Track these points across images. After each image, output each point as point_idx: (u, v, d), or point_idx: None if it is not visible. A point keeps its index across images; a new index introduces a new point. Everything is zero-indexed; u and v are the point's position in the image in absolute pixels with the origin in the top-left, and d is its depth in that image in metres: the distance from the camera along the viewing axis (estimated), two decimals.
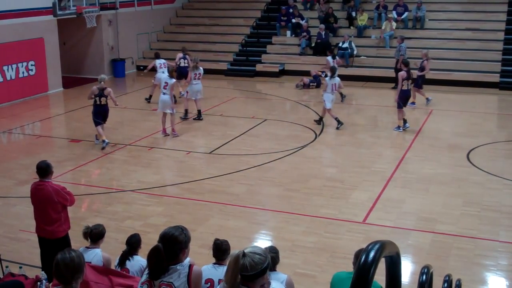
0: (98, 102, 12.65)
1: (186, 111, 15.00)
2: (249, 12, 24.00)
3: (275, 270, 4.98)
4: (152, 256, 3.78)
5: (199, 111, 14.93)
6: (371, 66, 20.06)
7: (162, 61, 16.86)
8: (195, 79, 14.71)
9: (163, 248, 3.75)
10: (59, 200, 6.41)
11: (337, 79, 14.11)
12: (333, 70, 14.24)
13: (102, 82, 12.71)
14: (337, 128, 13.84)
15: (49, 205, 6.37)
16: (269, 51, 21.78)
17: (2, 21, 16.73)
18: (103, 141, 12.47)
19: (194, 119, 14.88)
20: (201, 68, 14.95)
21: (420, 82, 15.90)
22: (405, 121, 13.61)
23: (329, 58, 17.31)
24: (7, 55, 16.89)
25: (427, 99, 16.05)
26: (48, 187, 6.37)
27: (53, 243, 6.47)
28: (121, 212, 9.20)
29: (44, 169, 6.39)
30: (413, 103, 15.72)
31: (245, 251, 3.06)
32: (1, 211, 9.40)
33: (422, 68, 15.99)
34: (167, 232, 3.81)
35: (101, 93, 12.60)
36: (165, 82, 13.17)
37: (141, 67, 22.39)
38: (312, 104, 16.75)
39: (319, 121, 14.28)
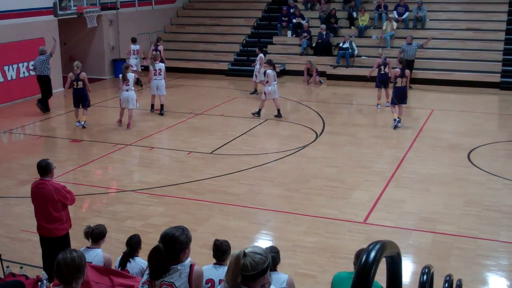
0: (75, 86, 13.96)
1: (152, 106, 15.69)
2: (249, 12, 24.02)
3: (275, 270, 4.99)
4: (153, 256, 3.78)
5: (162, 106, 15.50)
6: (371, 66, 20.00)
7: (137, 47, 18.76)
8: (155, 75, 15.21)
9: (163, 248, 3.76)
10: (59, 198, 6.41)
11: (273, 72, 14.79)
12: (270, 62, 14.87)
13: (76, 68, 13.92)
14: (276, 116, 14.76)
15: (50, 203, 6.39)
16: (270, 51, 21.78)
17: (3, 21, 16.74)
18: (78, 121, 14.18)
19: (158, 113, 15.44)
20: (161, 64, 15.45)
21: (378, 81, 15.83)
22: (398, 119, 13.77)
23: (261, 55, 17.63)
24: (8, 55, 16.90)
25: (387, 103, 15.53)
26: (48, 185, 6.38)
27: (53, 242, 6.49)
28: (122, 212, 9.20)
29: (44, 168, 6.40)
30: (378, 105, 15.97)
31: (246, 251, 3.07)
32: (2, 211, 9.40)
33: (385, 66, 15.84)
34: (168, 232, 3.81)
35: (77, 78, 13.90)
36: (127, 79, 13.75)
37: (142, 67, 22.37)
38: (313, 104, 16.75)
39: (278, 114, 14.86)
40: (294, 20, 21.92)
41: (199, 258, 5.91)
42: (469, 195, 9.70)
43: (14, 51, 17.09)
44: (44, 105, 15.94)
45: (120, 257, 5.64)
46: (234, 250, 3.13)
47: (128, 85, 13.79)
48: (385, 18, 21.06)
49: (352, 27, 21.78)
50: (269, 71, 14.61)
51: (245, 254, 3.04)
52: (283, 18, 22.20)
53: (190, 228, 3.96)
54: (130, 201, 9.68)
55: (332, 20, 21.52)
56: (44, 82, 16.03)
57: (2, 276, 5.55)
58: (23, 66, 17.50)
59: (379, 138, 13.18)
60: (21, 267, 5.64)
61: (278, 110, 14.82)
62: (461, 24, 20.74)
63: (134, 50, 18.85)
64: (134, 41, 19.10)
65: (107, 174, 11.40)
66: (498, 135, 13.50)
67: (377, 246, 2.53)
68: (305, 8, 22.96)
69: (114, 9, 21.38)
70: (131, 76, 13.91)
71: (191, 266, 3.83)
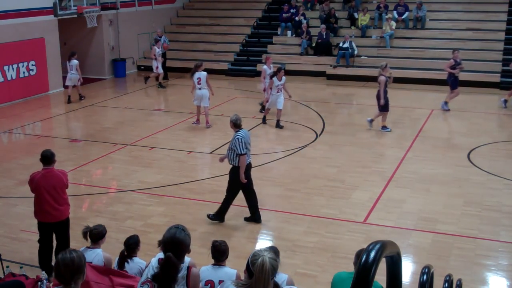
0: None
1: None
2: (249, 12, 24.03)
3: None
4: (167, 268, 3.69)
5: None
6: (371, 66, 20.03)
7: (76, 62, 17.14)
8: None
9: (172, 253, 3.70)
10: (66, 183, 7.05)
11: None
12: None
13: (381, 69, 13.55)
14: None
15: (60, 188, 6.97)
16: (270, 51, 21.78)
17: (3, 21, 16.74)
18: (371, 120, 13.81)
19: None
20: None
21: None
22: None
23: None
24: (8, 55, 16.91)
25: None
26: (57, 172, 6.99)
27: (58, 225, 6.99)
28: (122, 212, 9.20)
29: (49, 157, 6.96)
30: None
31: (268, 256, 3.10)
32: (2, 211, 9.40)
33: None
34: (173, 237, 3.75)
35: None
36: (198, 78, 13.84)
37: (142, 67, 22.42)
38: (313, 104, 16.75)
39: None
40: (296, 18, 21.92)
41: (199, 258, 5.91)
42: (469, 195, 9.70)
43: (14, 51, 17.09)
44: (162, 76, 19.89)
45: (118, 257, 5.62)
46: (257, 258, 3.13)
47: (200, 83, 13.79)
48: (385, 18, 21.06)
49: (353, 27, 21.78)
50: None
51: (267, 260, 3.10)
52: (284, 14, 22.17)
53: (190, 228, 3.96)
54: (130, 201, 9.68)
55: (332, 20, 21.53)
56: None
57: (2, 276, 5.55)
58: (23, 66, 17.50)
59: (379, 138, 13.18)
60: (21, 267, 5.64)
61: None
62: (461, 24, 20.74)
63: (71, 65, 16.93)
64: (73, 55, 17.08)
65: (107, 174, 11.40)
66: (498, 135, 13.50)
67: (377, 246, 2.53)
68: (305, 8, 22.97)
69: (114, 9, 21.37)
70: (202, 74, 13.82)
71: (189, 268, 3.82)
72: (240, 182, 8.44)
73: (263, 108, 14.97)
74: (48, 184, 6.89)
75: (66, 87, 17.42)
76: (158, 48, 18.87)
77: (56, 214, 6.97)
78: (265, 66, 15.12)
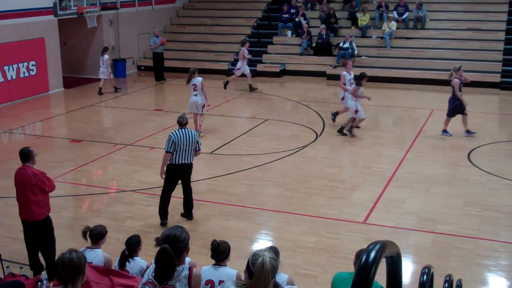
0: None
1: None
2: (250, 12, 24.02)
3: None
4: (161, 258, 3.74)
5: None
6: (371, 66, 20.04)
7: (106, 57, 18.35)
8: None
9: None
10: (36, 183, 6.78)
11: None
12: None
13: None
14: None
15: (28, 187, 6.80)
16: (270, 51, 21.79)
17: (3, 21, 16.74)
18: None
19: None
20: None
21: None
22: None
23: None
24: (8, 55, 16.90)
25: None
26: (28, 170, 6.83)
27: (32, 225, 6.91)
28: (122, 212, 9.20)
29: (25, 155, 6.90)
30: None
31: (268, 256, 3.10)
32: (2, 211, 9.41)
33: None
34: (169, 233, 3.80)
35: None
36: (194, 84, 12.99)
37: (142, 67, 22.43)
38: (313, 104, 16.75)
39: None
40: (296, 19, 21.92)
41: (199, 258, 5.92)
42: (469, 195, 9.70)
43: (14, 51, 17.09)
44: (159, 77, 20.49)
45: (119, 257, 5.63)
46: (257, 258, 3.12)
47: (196, 90, 13.04)
48: (386, 18, 21.07)
49: (353, 27, 21.78)
50: None
51: (267, 260, 3.09)
52: (283, 15, 22.18)
53: (189, 228, 3.98)
54: (130, 201, 9.68)
55: (332, 20, 21.53)
56: (158, 58, 20.48)
57: (2, 276, 5.55)
58: (23, 66, 17.50)
59: (379, 138, 13.17)
60: (21, 267, 5.64)
61: None
62: (461, 24, 20.74)
63: (102, 60, 18.28)
64: (105, 50, 18.53)
65: (107, 174, 11.40)
66: (498, 135, 13.49)
67: (377, 246, 2.53)
68: (305, 8, 22.97)
69: (114, 9, 21.37)
70: (198, 80, 12.93)
71: (190, 269, 3.82)
72: (168, 178, 8.65)
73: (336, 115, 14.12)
74: (19, 181, 6.92)
75: (98, 79, 18.40)
76: (247, 49, 18.38)
77: (25, 214, 6.95)
78: (344, 72, 13.78)
